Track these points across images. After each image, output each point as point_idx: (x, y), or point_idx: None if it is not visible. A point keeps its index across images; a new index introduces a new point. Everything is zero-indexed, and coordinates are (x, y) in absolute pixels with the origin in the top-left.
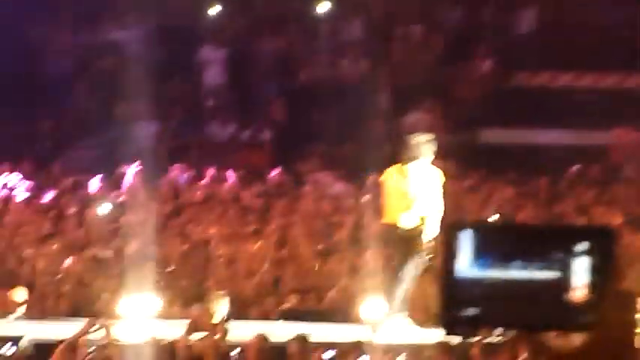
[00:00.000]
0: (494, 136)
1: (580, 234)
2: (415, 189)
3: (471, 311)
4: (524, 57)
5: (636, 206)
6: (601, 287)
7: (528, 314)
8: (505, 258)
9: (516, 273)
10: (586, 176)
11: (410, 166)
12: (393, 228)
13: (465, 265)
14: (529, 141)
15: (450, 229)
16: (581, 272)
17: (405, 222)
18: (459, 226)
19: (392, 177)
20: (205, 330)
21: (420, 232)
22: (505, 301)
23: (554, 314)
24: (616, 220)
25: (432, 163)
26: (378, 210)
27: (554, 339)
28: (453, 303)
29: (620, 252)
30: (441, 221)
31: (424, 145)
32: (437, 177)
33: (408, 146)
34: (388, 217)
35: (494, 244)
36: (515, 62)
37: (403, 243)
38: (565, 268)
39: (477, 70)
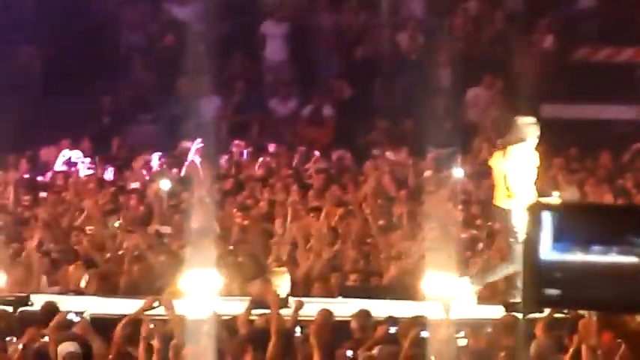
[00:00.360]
0: (555, 111)
1: None
2: (519, 172)
3: (553, 292)
4: (586, 32)
5: None
6: None
7: (609, 296)
8: (587, 240)
9: (598, 255)
10: None
11: (515, 149)
12: (500, 210)
13: (548, 246)
14: (591, 116)
15: (532, 211)
16: None
17: (510, 205)
18: (541, 208)
19: (499, 159)
20: (267, 306)
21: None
22: (586, 282)
23: (635, 297)
24: None
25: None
26: (439, 185)
27: (633, 321)
28: (536, 283)
29: None
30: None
31: (529, 128)
32: (535, 160)
33: (514, 128)
34: (496, 200)
35: (576, 226)
36: (576, 37)
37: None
38: None
39: (538, 45)
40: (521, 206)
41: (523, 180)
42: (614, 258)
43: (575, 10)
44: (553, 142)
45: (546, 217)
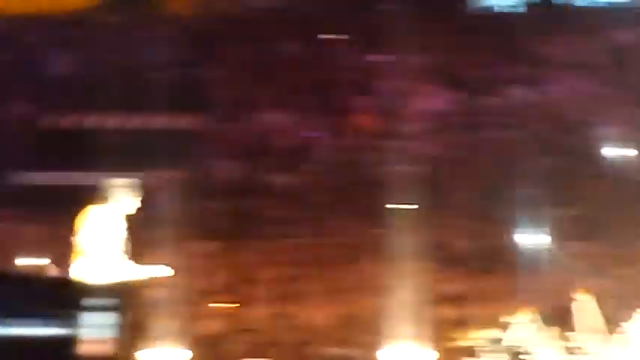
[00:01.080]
0: (28, 177)
1: (98, 289)
2: (99, 232)
3: None
4: (60, 98)
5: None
6: (120, 343)
7: None
8: (6, 311)
9: (19, 328)
10: None
11: (103, 209)
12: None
13: None
14: (60, 181)
15: None
16: (98, 327)
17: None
18: None
19: (84, 219)
20: None
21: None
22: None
23: None
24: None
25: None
26: None
27: None
28: None
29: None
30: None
31: (118, 189)
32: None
33: (102, 188)
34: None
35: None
36: (50, 103)
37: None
38: (78, 323)
39: (14, 111)
40: (92, 266)
41: (103, 240)
42: (44, 329)
43: (49, 76)
44: (28, 207)
45: None
